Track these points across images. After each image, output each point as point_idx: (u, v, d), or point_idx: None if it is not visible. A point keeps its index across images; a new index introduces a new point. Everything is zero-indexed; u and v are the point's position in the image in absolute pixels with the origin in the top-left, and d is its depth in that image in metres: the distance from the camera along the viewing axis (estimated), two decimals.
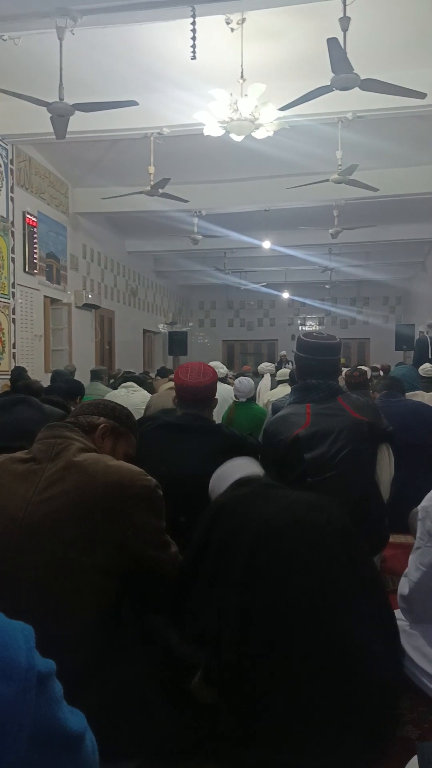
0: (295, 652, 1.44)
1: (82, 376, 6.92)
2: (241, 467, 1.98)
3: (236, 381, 4.80)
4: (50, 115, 5.01)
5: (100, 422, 1.70)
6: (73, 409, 3.76)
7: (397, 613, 1.82)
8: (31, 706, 0.67)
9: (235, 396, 4.74)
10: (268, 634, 1.47)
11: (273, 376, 7.35)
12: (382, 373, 8.65)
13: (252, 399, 4.79)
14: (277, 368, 8.31)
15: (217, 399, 2.67)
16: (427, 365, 6.87)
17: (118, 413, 1.78)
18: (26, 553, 1.38)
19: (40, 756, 0.70)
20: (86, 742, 0.81)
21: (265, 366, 8.27)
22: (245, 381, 4.70)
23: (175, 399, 2.59)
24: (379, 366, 10.57)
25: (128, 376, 6.87)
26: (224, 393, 5.41)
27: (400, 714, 1.70)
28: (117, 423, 1.75)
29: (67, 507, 1.42)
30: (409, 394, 4.18)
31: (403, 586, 1.84)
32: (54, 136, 5.36)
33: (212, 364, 5.85)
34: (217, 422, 2.96)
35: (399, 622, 1.75)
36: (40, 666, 0.71)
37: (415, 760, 0.96)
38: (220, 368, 5.66)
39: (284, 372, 6.35)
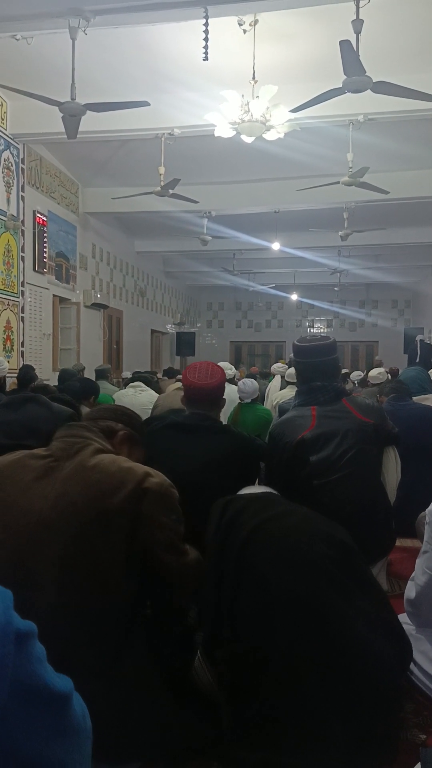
0: (290, 654, 1.44)
1: (90, 375, 6.93)
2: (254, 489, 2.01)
3: (240, 382, 4.80)
4: (62, 114, 5.02)
5: (118, 428, 1.75)
6: (84, 408, 3.80)
7: (403, 617, 1.81)
8: (9, 660, 0.66)
9: (240, 397, 4.74)
10: (255, 634, 1.48)
11: (283, 377, 7.32)
12: (390, 376, 8.63)
13: (256, 400, 4.79)
14: (290, 369, 8.28)
15: (225, 399, 2.67)
16: None
17: (135, 422, 1.84)
18: (44, 548, 1.40)
19: (24, 712, 0.69)
20: (73, 704, 0.79)
21: (278, 367, 8.24)
22: (249, 382, 4.70)
23: (183, 399, 2.59)
24: (387, 369, 10.54)
25: (136, 376, 6.88)
26: (231, 394, 5.41)
27: (405, 718, 1.69)
28: (134, 431, 1.80)
29: (84, 503, 1.43)
30: (420, 398, 4.15)
31: (410, 590, 1.84)
32: (65, 136, 5.38)
33: (220, 364, 5.87)
34: (224, 423, 2.96)
35: (405, 627, 1.75)
36: (18, 624, 0.70)
37: (419, 767, 0.95)
38: (228, 369, 5.65)
39: (293, 373, 6.30)
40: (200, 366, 2.60)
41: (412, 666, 1.79)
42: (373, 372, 7.38)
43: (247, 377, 6.29)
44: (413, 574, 1.82)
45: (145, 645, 1.47)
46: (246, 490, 1.98)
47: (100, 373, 7.20)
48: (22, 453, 1.59)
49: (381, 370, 7.30)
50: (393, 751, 1.50)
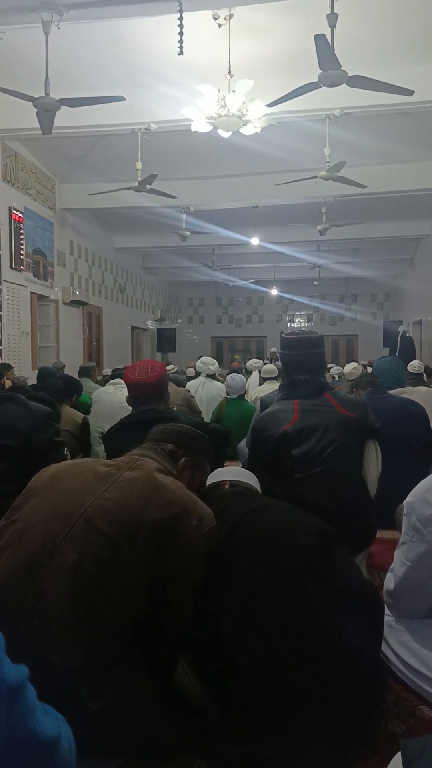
0: (272, 648, 1.45)
1: (70, 373, 6.88)
2: (231, 472, 2.03)
3: (228, 377, 4.80)
4: (36, 110, 4.97)
5: (180, 454, 1.77)
6: (65, 407, 3.77)
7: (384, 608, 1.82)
8: (1, 721, 0.66)
9: (227, 392, 4.74)
10: (239, 631, 1.49)
11: (260, 373, 7.34)
12: (370, 369, 8.68)
13: (243, 396, 4.80)
14: (266, 365, 8.31)
15: (170, 393, 2.71)
16: (415, 362, 6.90)
17: (198, 444, 1.84)
18: (80, 541, 1.43)
19: (14, 765, 0.70)
20: (62, 742, 0.80)
21: (254, 363, 8.28)
22: (237, 378, 4.70)
23: (128, 399, 2.63)
24: (366, 362, 10.62)
25: (116, 373, 6.84)
26: (213, 390, 5.42)
27: (386, 709, 1.71)
28: (197, 455, 1.82)
29: (128, 511, 1.47)
30: (396, 391, 4.18)
31: (389, 582, 1.85)
32: (40, 131, 5.33)
33: (203, 359, 5.86)
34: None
35: (385, 618, 1.76)
36: (10, 678, 0.69)
37: (399, 756, 0.96)
38: (210, 365, 5.65)
39: (270, 369, 6.31)
40: (140, 364, 2.68)
41: (392, 657, 1.80)
42: (347, 368, 7.39)
43: (228, 372, 6.29)
44: (392, 566, 1.83)
45: (139, 651, 1.46)
46: (216, 475, 1.98)
47: (84, 371, 7.16)
48: (91, 459, 1.69)
49: (355, 365, 7.33)
50: (374, 742, 1.52)
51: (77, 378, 5.87)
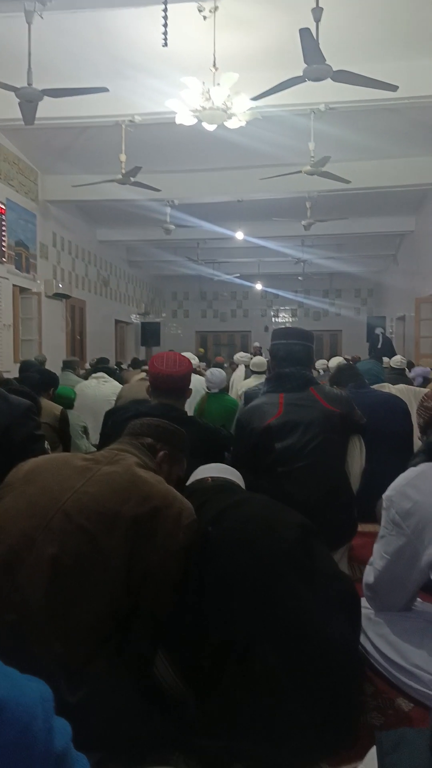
0: (251, 641, 1.45)
1: (53, 367, 6.83)
2: (215, 468, 2.03)
3: (208, 372, 4.78)
4: (18, 100, 4.91)
5: (158, 448, 1.77)
6: (44, 400, 3.74)
7: (363, 601, 1.84)
8: None
9: (208, 387, 4.73)
10: (218, 624, 1.49)
11: (248, 366, 7.33)
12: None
13: (224, 390, 4.78)
14: (256, 357, 8.30)
15: (191, 389, 2.68)
16: (398, 357, 6.96)
17: (176, 439, 1.83)
18: (57, 535, 1.42)
19: None
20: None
21: (241, 356, 8.26)
22: (217, 372, 4.69)
23: (148, 388, 2.58)
24: (349, 357, 10.67)
25: (99, 367, 6.81)
26: (197, 384, 5.39)
27: (365, 701, 1.72)
28: (175, 450, 1.81)
29: (106, 505, 1.47)
30: (376, 386, 4.22)
31: (368, 575, 1.87)
32: (22, 122, 5.27)
33: (185, 354, 5.85)
34: (188, 413, 2.97)
35: (364, 611, 1.77)
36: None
37: (374, 750, 0.96)
38: (192, 359, 5.64)
39: (259, 362, 6.28)
40: (167, 355, 2.63)
41: (371, 649, 1.82)
42: (333, 362, 7.44)
43: (212, 366, 6.28)
44: (371, 559, 1.85)
45: (117, 644, 1.46)
46: (200, 472, 1.98)
47: (67, 365, 7.11)
48: (69, 453, 1.69)
49: (340, 359, 7.37)
50: (352, 734, 1.53)
51: (59, 372, 5.84)
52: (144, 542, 1.45)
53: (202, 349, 16.63)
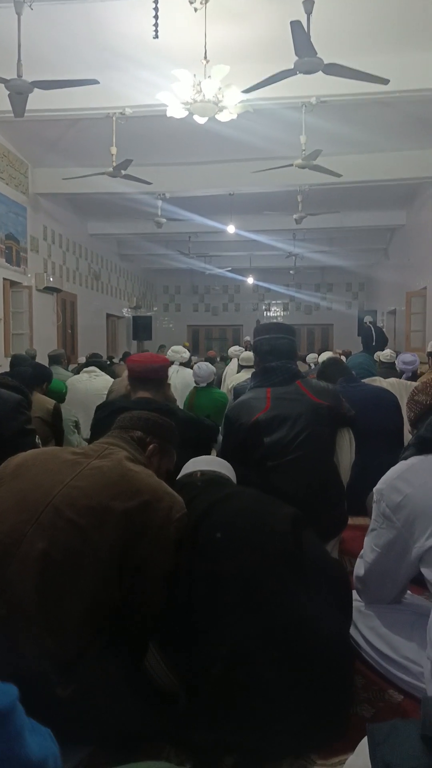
0: (242, 635, 1.45)
1: (43, 361, 6.80)
2: (206, 461, 2.03)
3: (195, 366, 4.78)
4: (8, 92, 4.87)
5: (148, 441, 1.77)
6: (37, 395, 3.73)
7: (353, 594, 1.85)
8: None
9: (196, 381, 4.72)
10: (208, 618, 1.49)
11: (240, 360, 7.32)
12: (344, 358, 8.75)
13: (212, 384, 4.78)
14: (245, 352, 8.29)
15: (169, 384, 2.75)
16: (387, 351, 6.97)
17: (165, 431, 1.84)
18: (47, 530, 1.42)
19: None
20: (48, 764, 0.79)
21: (235, 350, 8.24)
22: (204, 366, 4.68)
23: (127, 387, 2.64)
24: (341, 351, 10.70)
25: (90, 361, 6.79)
26: (188, 378, 5.39)
27: (356, 693, 1.73)
28: (164, 442, 1.82)
29: (96, 499, 1.46)
30: (368, 380, 4.23)
31: (359, 568, 1.88)
32: (12, 114, 5.22)
33: (173, 348, 5.83)
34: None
35: (354, 603, 1.78)
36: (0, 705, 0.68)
37: (365, 741, 0.97)
38: (182, 353, 5.62)
39: (248, 356, 6.27)
40: (145, 353, 2.76)
41: (361, 642, 1.83)
42: (323, 357, 7.45)
43: (202, 361, 6.25)
44: (362, 552, 1.86)
45: (109, 638, 1.46)
46: (191, 465, 1.98)
47: (54, 359, 7.06)
48: (59, 447, 1.70)
49: (330, 353, 7.39)
50: (344, 726, 1.54)
51: (47, 365, 5.80)
52: (134, 536, 1.45)
53: (187, 343, 16.61)
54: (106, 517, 1.44)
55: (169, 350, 5.73)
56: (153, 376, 2.59)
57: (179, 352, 5.61)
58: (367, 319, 12.32)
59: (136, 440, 1.75)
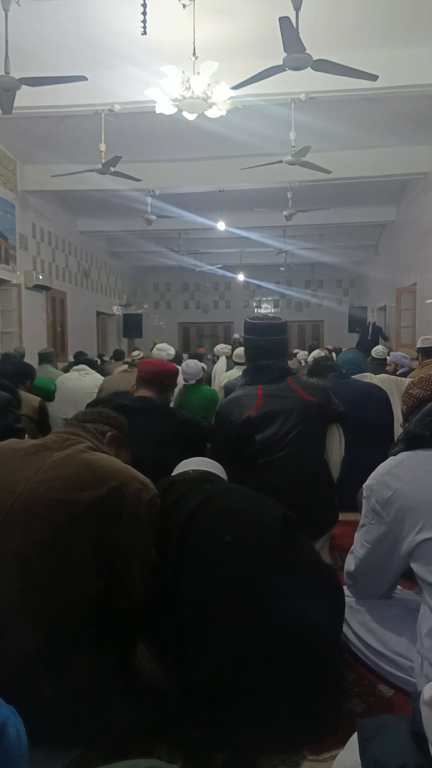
0: (232, 632, 1.46)
1: (32, 359, 6.77)
2: (197, 462, 2.04)
3: (183, 364, 4.77)
4: None
5: (106, 430, 1.77)
6: (21, 392, 3.71)
7: (344, 589, 1.85)
8: None
9: (184, 379, 4.72)
10: (198, 615, 1.49)
11: (229, 357, 7.32)
12: (335, 355, 8.77)
13: (201, 381, 4.78)
14: (238, 349, 8.28)
15: (173, 389, 2.83)
16: (378, 347, 7.00)
17: (120, 424, 1.85)
18: (18, 529, 1.39)
19: None
20: (8, 730, 0.79)
21: (221, 348, 8.23)
22: (192, 363, 4.67)
23: (133, 387, 2.68)
24: (331, 348, 10.73)
25: (80, 359, 6.77)
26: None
27: (346, 688, 1.74)
28: (120, 433, 1.82)
29: (62, 491, 1.43)
30: (358, 376, 4.24)
31: (349, 563, 1.88)
32: (0, 111, 5.19)
33: (158, 346, 5.82)
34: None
35: (345, 599, 1.79)
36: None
37: (355, 737, 0.97)
38: (168, 350, 5.61)
39: (240, 353, 6.28)
40: (157, 359, 2.84)
41: (352, 637, 1.84)
42: (313, 354, 7.48)
43: (190, 358, 6.25)
44: (352, 548, 1.86)
45: (96, 635, 1.45)
46: (182, 465, 1.99)
47: (43, 357, 7.03)
48: (14, 440, 1.63)
49: (319, 351, 7.41)
50: (335, 721, 1.54)
51: (36, 365, 5.78)
52: (107, 523, 1.43)
53: (157, 340, 16.60)
54: (76, 508, 1.41)
55: (155, 348, 5.72)
56: (159, 379, 2.69)
57: (164, 349, 5.60)
58: (371, 320, 12.44)
59: (95, 430, 1.73)
